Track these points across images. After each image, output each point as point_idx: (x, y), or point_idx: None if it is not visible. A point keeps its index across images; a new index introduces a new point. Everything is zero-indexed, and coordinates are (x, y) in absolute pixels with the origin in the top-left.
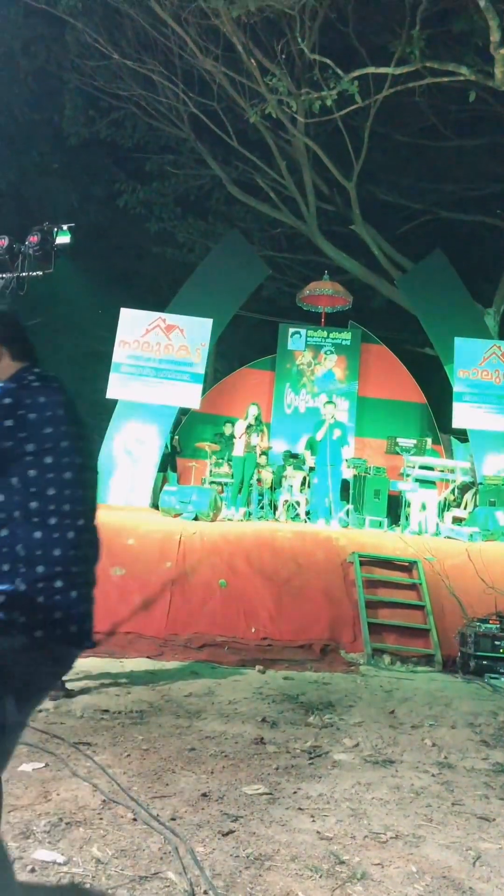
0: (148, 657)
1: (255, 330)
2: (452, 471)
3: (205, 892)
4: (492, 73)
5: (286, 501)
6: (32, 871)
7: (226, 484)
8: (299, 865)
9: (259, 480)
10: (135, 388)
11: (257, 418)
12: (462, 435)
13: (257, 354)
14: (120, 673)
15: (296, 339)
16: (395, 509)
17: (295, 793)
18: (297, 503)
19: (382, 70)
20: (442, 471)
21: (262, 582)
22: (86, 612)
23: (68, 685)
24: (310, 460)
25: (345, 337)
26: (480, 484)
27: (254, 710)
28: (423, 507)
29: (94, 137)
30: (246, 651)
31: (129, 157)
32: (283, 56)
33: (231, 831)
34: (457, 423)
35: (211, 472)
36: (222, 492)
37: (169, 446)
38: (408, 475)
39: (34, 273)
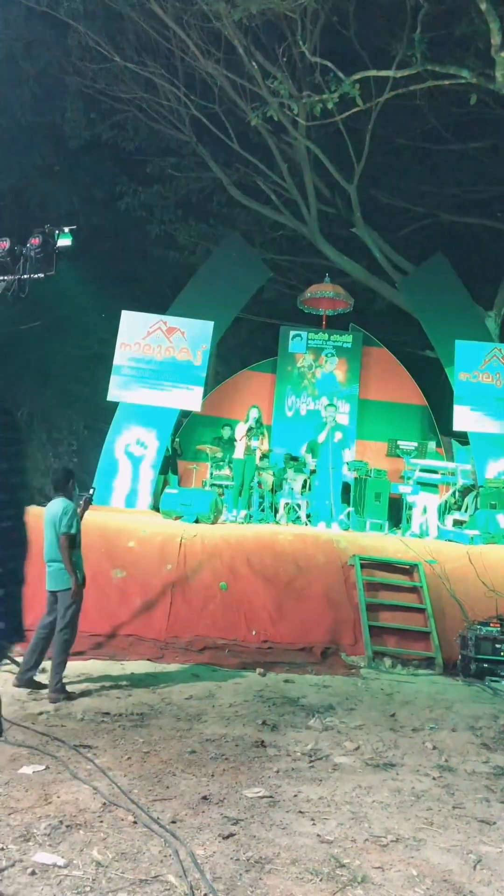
0: (148, 660)
1: (255, 332)
2: (453, 473)
3: (206, 895)
4: (493, 76)
5: (287, 504)
6: (33, 873)
7: (226, 486)
8: (300, 869)
9: (260, 483)
10: (136, 391)
11: (257, 421)
12: (463, 438)
13: (258, 357)
14: (120, 675)
15: (297, 341)
16: (396, 512)
17: (295, 796)
18: (298, 506)
19: (383, 73)
20: (443, 473)
21: (262, 584)
22: (12, 609)
23: (69, 688)
24: (311, 463)
25: (346, 339)
26: (481, 487)
27: (254, 713)
28: (425, 510)
29: (95, 140)
30: (246, 654)
31: (130, 160)
32: (285, 59)
33: (231, 834)
34: (457, 425)
35: (212, 474)
36: (223, 494)
37: (170, 449)
38: (409, 478)
39: (35, 275)
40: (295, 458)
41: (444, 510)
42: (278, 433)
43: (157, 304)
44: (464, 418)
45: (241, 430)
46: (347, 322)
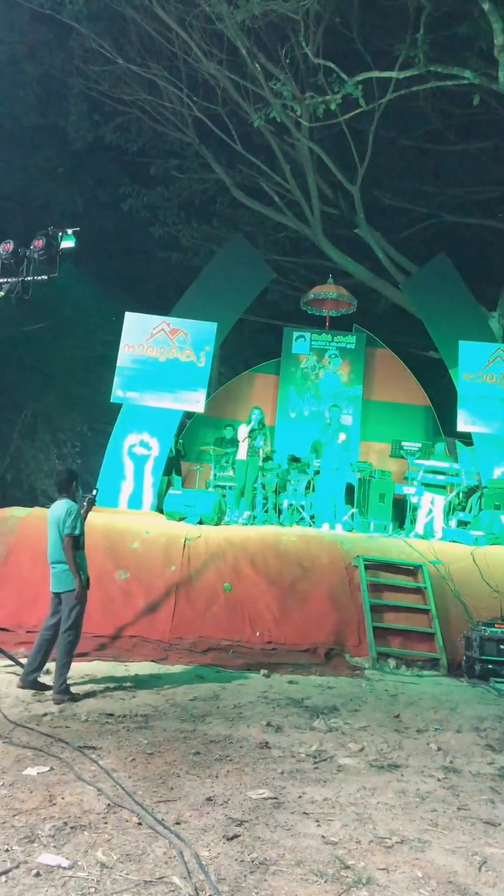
0: (152, 661)
1: (259, 334)
2: (457, 474)
3: None
4: (496, 77)
5: (291, 505)
6: (37, 875)
7: (230, 488)
8: (304, 870)
9: (263, 484)
10: (139, 392)
11: (260, 422)
12: (467, 438)
13: (262, 358)
14: (124, 677)
15: (300, 342)
16: (400, 513)
17: (300, 797)
18: (302, 507)
19: (386, 74)
20: (447, 474)
21: (266, 586)
22: None
23: (73, 689)
24: (315, 464)
25: (349, 341)
26: (485, 487)
27: (259, 715)
28: (429, 511)
29: (98, 142)
30: (251, 655)
31: (133, 162)
32: (288, 60)
33: (236, 836)
34: (461, 426)
35: (215, 475)
36: (226, 496)
37: (173, 450)
38: (413, 479)
39: (39, 277)
40: (298, 459)
41: (448, 511)
42: (282, 434)
43: (161, 305)
44: (468, 419)
45: (243, 431)
46: (351, 323)
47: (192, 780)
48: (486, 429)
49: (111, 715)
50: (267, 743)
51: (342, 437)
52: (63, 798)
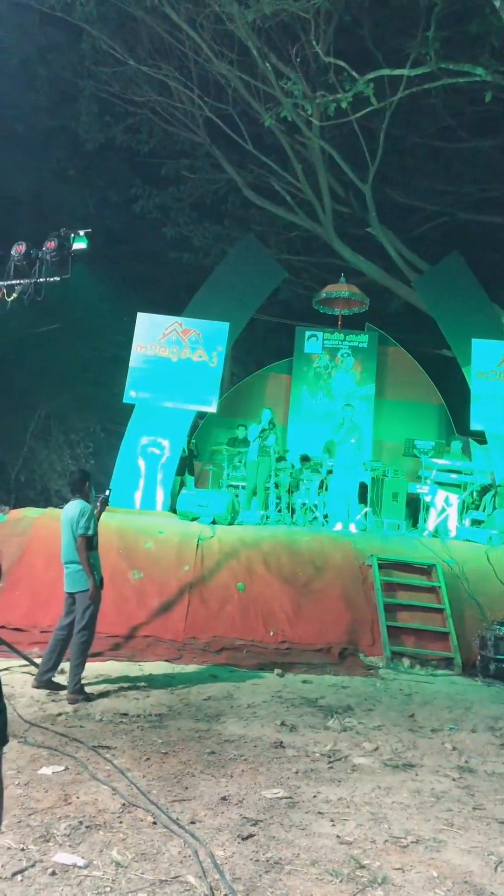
0: (166, 660)
1: (271, 333)
2: (471, 473)
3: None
4: None
5: (304, 505)
6: (53, 874)
7: (242, 487)
8: (319, 870)
9: (276, 484)
10: (152, 393)
11: (271, 422)
12: (481, 437)
13: (274, 358)
14: (138, 676)
15: (312, 342)
16: (413, 512)
17: (315, 797)
18: (315, 506)
19: (397, 72)
20: (460, 473)
21: (280, 585)
22: None
23: (87, 689)
24: (328, 463)
25: (362, 339)
26: (499, 486)
27: (273, 714)
28: (443, 510)
29: (110, 143)
30: (264, 654)
31: (144, 163)
32: (298, 59)
33: (251, 835)
34: (474, 424)
35: (228, 475)
36: (238, 495)
37: (186, 450)
38: (426, 478)
39: (51, 279)
40: (310, 459)
41: (462, 510)
42: (294, 434)
43: (173, 305)
44: (481, 417)
45: (254, 431)
46: (363, 322)
47: (207, 779)
48: (500, 427)
49: (125, 714)
50: (281, 742)
51: (355, 436)
52: (78, 797)
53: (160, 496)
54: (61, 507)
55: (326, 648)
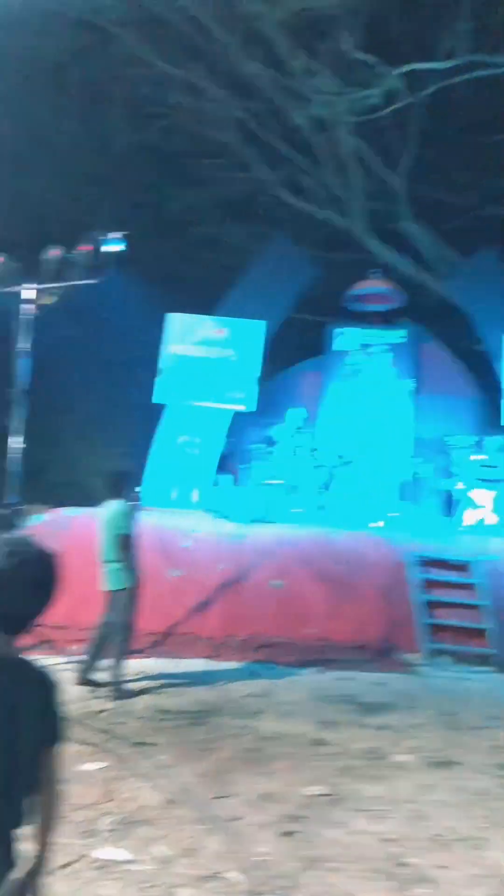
0: (205, 658)
1: (304, 331)
2: None
3: (268, 892)
4: None
5: (339, 501)
6: (98, 868)
7: (277, 486)
8: (361, 867)
9: (311, 482)
10: (184, 393)
11: (304, 420)
12: None
13: (307, 355)
14: (178, 673)
15: (346, 339)
16: (451, 508)
17: (355, 794)
18: (349, 503)
19: (428, 66)
20: (499, 468)
21: (317, 583)
22: None
23: (128, 686)
24: (362, 460)
25: (396, 335)
26: None
27: (312, 711)
28: (480, 505)
29: (139, 145)
30: (302, 652)
31: (174, 164)
32: (328, 56)
33: (292, 832)
34: None
35: (262, 474)
36: (273, 494)
37: (220, 449)
38: (463, 473)
39: (86, 282)
40: (344, 457)
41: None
42: (327, 431)
43: (205, 305)
44: None
45: (287, 429)
46: (397, 317)
47: (247, 776)
48: None
49: (166, 711)
50: (321, 739)
51: (390, 432)
52: (121, 793)
53: (195, 495)
54: (98, 507)
55: (364, 646)
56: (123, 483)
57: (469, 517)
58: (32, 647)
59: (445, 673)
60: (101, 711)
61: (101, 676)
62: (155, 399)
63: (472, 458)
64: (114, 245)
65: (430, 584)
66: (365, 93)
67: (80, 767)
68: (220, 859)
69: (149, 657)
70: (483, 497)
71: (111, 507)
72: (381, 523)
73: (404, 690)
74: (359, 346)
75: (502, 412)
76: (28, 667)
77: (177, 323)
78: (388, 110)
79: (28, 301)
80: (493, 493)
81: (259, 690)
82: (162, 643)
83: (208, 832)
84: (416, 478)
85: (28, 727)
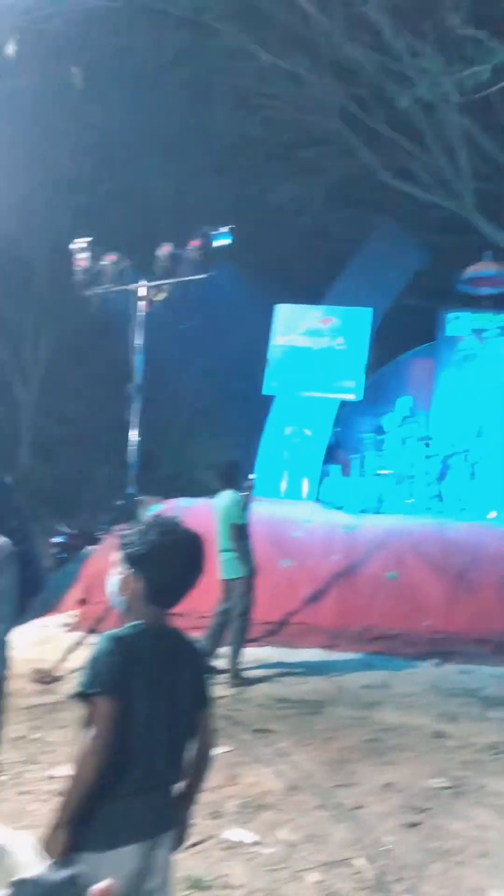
0: (320, 648)
1: (414, 317)
2: None
3: (395, 882)
4: None
5: (454, 492)
6: (226, 848)
7: (388, 476)
8: (489, 862)
9: (423, 472)
10: (293, 383)
11: (411, 409)
12: None
13: (418, 342)
14: (294, 662)
15: (458, 324)
16: None
17: (480, 788)
18: (465, 494)
19: None
20: None
21: (433, 575)
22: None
23: (245, 674)
24: (477, 449)
25: None
26: None
27: (431, 704)
28: None
29: (244, 138)
30: (419, 644)
31: (278, 154)
32: (434, 34)
33: (416, 823)
34: None
35: (372, 464)
36: (384, 484)
37: (330, 440)
38: None
39: (196, 277)
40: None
41: None
42: (440, 420)
43: (313, 295)
44: None
45: (395, 419)
46: None
47: (369, 766)
48: None
49: (284, 700)
50: (442, 732)
51: None
52: (244, 778)
53: (305, 486)
54: (210, 498)
55: (485, 639)
56: (237, 473)
57: None
58: None
59: None
60: (221, 698)
61: (219, 664)
62: (264, 391)
63: None
64: (222, 239)
65: None
66: (473, 70)
67: None
68: (345, 846)
69: (264, 646)
70: None
71: (225, 497)
72: (493, 514)
73: None
74: (471, 332)
75: None
76: (181, 637)
77: (285, 313)
78: (497, 87)
79: (140, 298)
80: None
81: (376, 682)
82: (277, 632)
83: (332, 819)
84: None
85: (185, 692)
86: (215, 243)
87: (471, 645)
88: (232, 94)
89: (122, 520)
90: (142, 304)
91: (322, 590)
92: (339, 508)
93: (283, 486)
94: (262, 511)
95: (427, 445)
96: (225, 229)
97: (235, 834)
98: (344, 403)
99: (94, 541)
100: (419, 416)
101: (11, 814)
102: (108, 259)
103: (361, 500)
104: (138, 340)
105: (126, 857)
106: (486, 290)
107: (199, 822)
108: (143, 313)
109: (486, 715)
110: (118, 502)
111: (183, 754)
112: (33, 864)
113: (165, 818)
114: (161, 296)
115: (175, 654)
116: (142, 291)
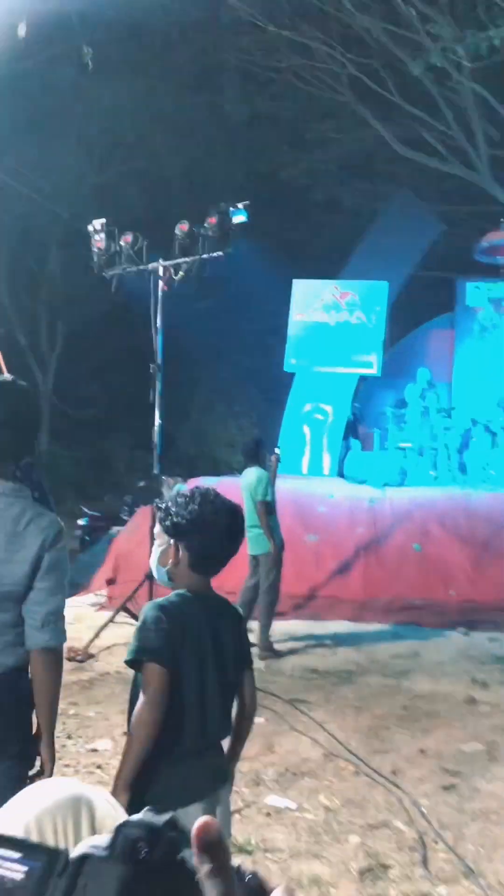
0: (348, 620)
1: (431, 288)
2: None
3: (434, 842)
4: None
5: (476, 463)
6: (268, 814)
7: (409, 448)
8: None
9: (445, 444)
10: (311, 359)
11: (429, 381)
12: None
13: (435, 313)
14: (323, 634)
15: (476, 294)
16: None
17: None
18: (487, 464)
19: None
20: None
21: (458, 545)
22: None
23: (276, 646)
24: (499, 419)
25: None
26: None
27: (461, 671)
28: None
29: (254, 113)
30: (447, 613)
31: (289, 128)
32: None
33: (452, 786)
34: None
35: (394, 437)
36: (406, 457)
37: (350, 414)
38: None
39: (214, 254)
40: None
41: None
42: (460, 391)
43: (328, 269)
44: None
45: (414, 391)
46: None
47: (402, 733)
48: None
49: (315, 671)
50: (473, 698)
51: None
52: (281, 746)
53: (327, 461)
54: (232, 476)
55: None
56: (262, 450)
57: None
58: None
59: None
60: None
61: (249, 638)
62: (285, 367)
63: None
64: (238, 216)
65: None
66: (485, 34)
67: None
68: (384, 810)
69: (292, 619)
70: None
71: (251, 474)
72: None
73: None
74: (489, 301)
75: None
76: (223, 602)
77: (302, 289)
78: None
79: (158, 277)
80: None
81: (405, 651)
82: (304, 606)
83: (369, 784)
84: None
85: (229, 653)
86: (232, 221)
87: (497, 612)
88: (240, 69)
89: (146, 500)
90: (160, 284)
91: (348, 563)
92: (363, 482)
93: (305, 461)
94: (286, 487)
95: (448, 417)
96: (241, 206)
97: (276, 800)
98: (363, 378)
99: (119, 522)
100: (439, 387)
101: None
102: (125, 240)
103: (384, 474)
104: (158, 320)
105: (191, 816)
106: (503, 259)
107: (240, 789)
108: (161, 293)
109: None
110: (141, 483)
111: (230, 712)
112: (118, 814)
113: (220, 774)
114: (181, 275)
115: (219, 618)
116: (160, 271)
